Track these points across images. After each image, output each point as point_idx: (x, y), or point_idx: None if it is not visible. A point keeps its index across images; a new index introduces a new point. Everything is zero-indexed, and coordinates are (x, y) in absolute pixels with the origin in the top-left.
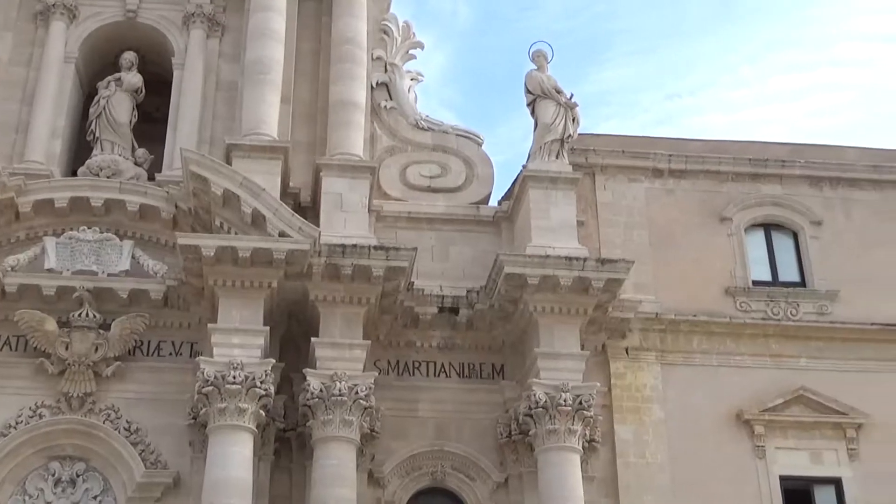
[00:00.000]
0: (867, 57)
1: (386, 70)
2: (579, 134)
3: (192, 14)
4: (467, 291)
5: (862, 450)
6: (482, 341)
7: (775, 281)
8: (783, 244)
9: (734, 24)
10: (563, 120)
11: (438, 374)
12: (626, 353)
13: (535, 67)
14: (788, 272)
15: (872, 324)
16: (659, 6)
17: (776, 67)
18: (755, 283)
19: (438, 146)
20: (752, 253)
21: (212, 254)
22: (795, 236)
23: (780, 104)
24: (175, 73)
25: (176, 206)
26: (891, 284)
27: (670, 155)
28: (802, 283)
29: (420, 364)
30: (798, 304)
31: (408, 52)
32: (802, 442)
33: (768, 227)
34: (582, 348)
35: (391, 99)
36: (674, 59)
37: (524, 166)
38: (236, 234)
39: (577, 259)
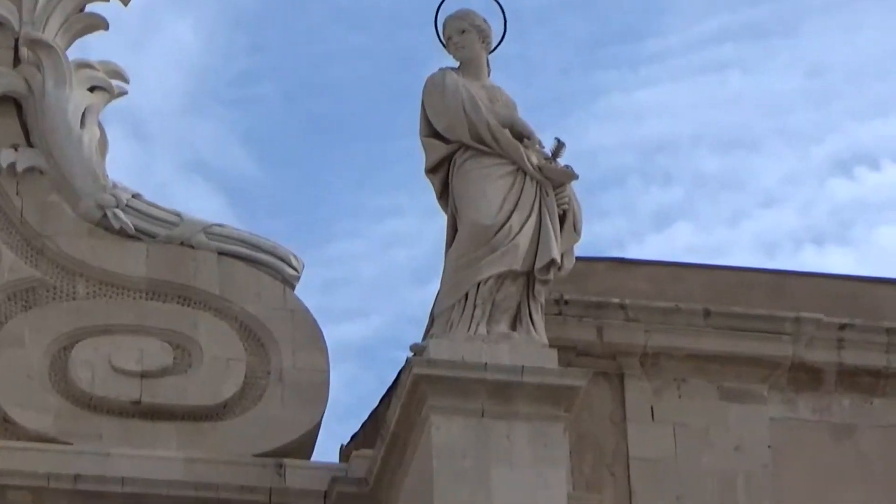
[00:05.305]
0: None
1: (18, 58)
2: (579, 259)
3: None
4: None
5: None
6: None
7: None
8: None
9: None
10: (536, 215)
11: None
12: None
13: (455, 65)
14: None
15: None
16: None
17: None
18: None
19: (169, 285)
20: None
21: None
22: None
23: None
24: None
25: None
26: None
27: (843, 327)
28: None
29: None
30: None
31: (83, 8)
32: None
33: None
34: None
35: (29, 143)
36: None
37: (418, 347)
38: None
39: None
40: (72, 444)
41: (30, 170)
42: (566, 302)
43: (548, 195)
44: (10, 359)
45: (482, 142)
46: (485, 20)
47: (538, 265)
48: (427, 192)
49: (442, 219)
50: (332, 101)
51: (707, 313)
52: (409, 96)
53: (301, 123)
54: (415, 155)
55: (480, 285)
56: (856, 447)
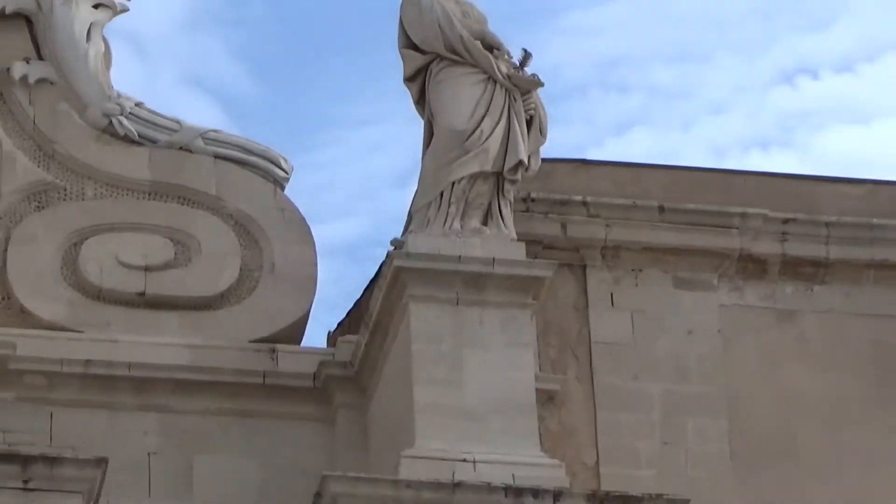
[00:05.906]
0: None
1: None
2: (545, 160)
3: None
4: None
5: None
6: None
7: None
8: None
9: None
10: (505, 120)
11: None
12: None
13: None
14: None
15: None
16: None
17: None
18: None
19: (170, 186)
20: None
21: None
22: None
23: None
24: None
25: None
26: None
27: (786, 221)
28: None
29: None
30: None
31: None
32: None
33: None
34: None
35: (40, 56)
36: None
37: (397, 242)
38: None
39: (539, 493)
40: (83, 332)
41: (41, 81)
42: (533, 200)
43: (516, 101)
44: (26, 255)
45: (456, 53)
46: None
47: (507, 166)
48: (404, 102)
49: (418, 127)
50: (318, 20)
51: (662, 209)
52: (388, 12)
53: (290, 41)
54: (394, 69)
55: (454, 185)
56: (798, 330)
